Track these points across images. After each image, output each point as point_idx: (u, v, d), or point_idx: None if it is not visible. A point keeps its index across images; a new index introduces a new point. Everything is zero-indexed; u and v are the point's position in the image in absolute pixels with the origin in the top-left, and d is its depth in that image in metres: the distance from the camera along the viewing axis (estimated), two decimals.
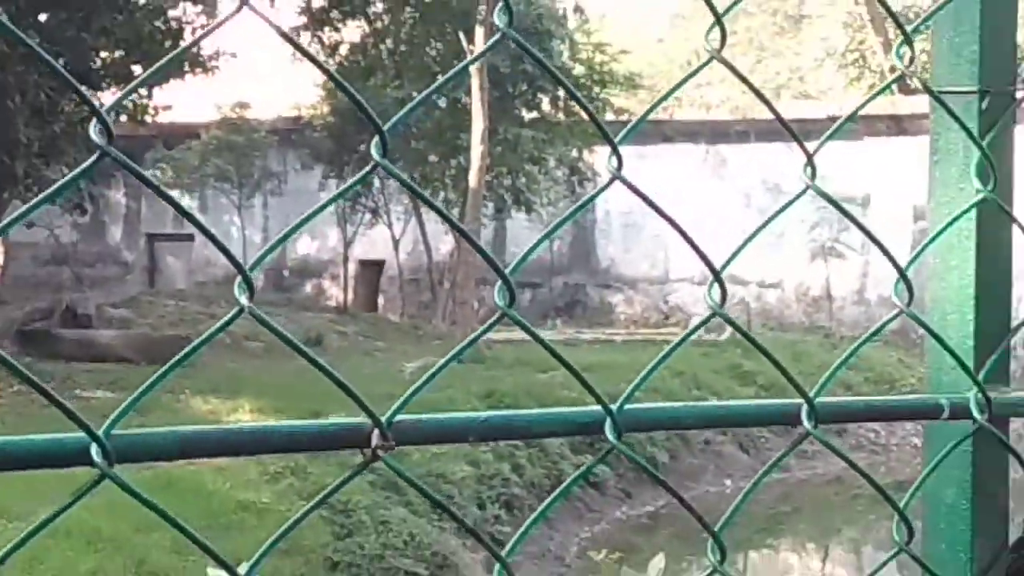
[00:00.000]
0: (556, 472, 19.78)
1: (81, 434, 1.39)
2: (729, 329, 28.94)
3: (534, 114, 31.86)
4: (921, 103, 32.01)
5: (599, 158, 33.04)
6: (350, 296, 36.00)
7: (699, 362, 24.55)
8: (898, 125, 32.39)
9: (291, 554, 13.59)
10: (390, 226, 34.44)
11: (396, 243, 34.90)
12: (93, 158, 1.41)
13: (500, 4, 1.66)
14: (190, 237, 38.72)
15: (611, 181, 1.77)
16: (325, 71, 1.58)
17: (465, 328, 27.36)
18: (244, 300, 1.47)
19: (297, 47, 1.71)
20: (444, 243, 33.87)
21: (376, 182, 32.55)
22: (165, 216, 38.85)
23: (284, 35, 1.68)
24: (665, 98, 1.92)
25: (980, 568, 2.07)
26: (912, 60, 2.00)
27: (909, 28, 2.01)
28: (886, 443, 25.46)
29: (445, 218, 1.87)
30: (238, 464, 15.38)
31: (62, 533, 12.30)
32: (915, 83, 2.03)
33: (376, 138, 1.57)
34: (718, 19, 1.82)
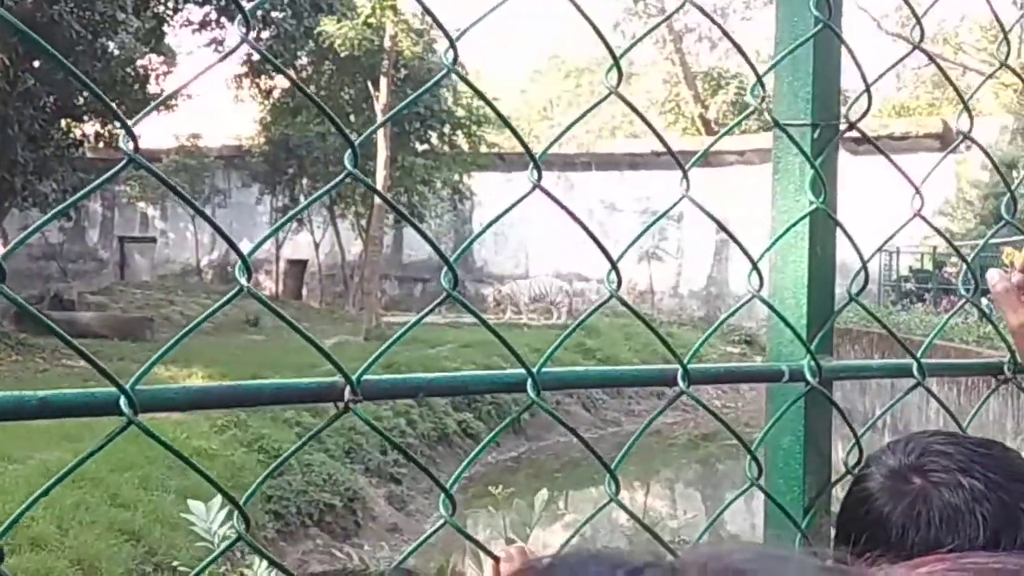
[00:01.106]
0: (441, 426, 19.73)
1: (111, 389, 1.32)
2: (571, 314, 29.00)
3: (425, 146, 31.92)
4: (722, 143, 32.36)
5: (475, 182, 33.18)
6: (280, 287, 35.94)
7: (552, 342, 24.45)
8: (704, 159, 32.62)
9: (234, 490, 13.19)
10: (312, 232, 34.59)
11: (317, 246, 34.98)
12: (122, 163, 1.34)
13: (448, 47, 1.61)
14: (153, 240, 38.50)
15: (532, 189, 1.73)
16: (313, 100, 1.52)
17: (370, 312, 27.29)
18: (243, 280, 1.40)
19: (297, 85, 1.64)
20: (355, 246, 33.86)
21: (302, 197, 32.53)
22: (133, 222, 38.58)
23: (290, 78, 1.61)
24: (572, 125, 1.87)
25: (809, 498, 2.06)
26: (764, 99, 1.98)
27: (762, 73, 1.99)
28: (693, 404, 25.61)
29: (400, 215, 1.81)
30: (192, 418, 15.17)
31: (52, 474, 11.97)
32: (766, 116, 2.00)
33: (349, 151, 1.51)
34: (616, 61, 1.79)
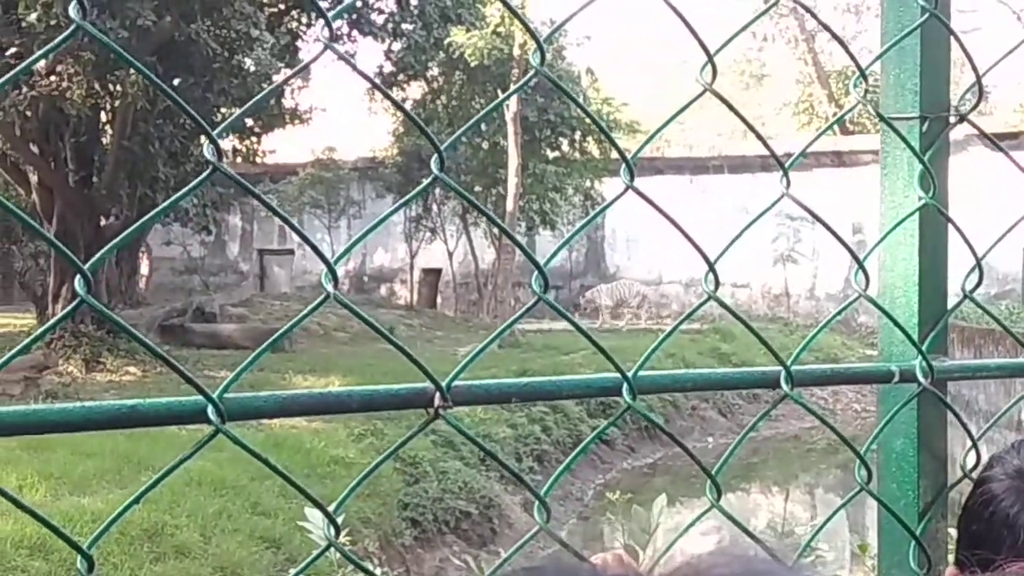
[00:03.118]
0: (576, 432, 19.67)
1: (199, 397, 1.33)
2: (709, 320, 28.60)
3: (556, 153, 31.97)
4: (857, 142, 31.83)
5: (606, 187, 33.08)
6: (415, 296, 36.23)
7: (687, 346, 24.42)
8: (839, 159, 32.26)
9: (372, 498, 13.57)
10: (445, 241, 34.85)
11: (450, 255, 35.18)
12: (207, 172, 1.36)
13: (534, 47, 1.59)
14: (291, 252, 39.08)
15: (625, 190, 1.70)
16: (405, 112, 1.51)
17: (505, 320, 27.36)
18: (330, 288, 1.41)
19: (390, 98, 1.64)
20: (488, 254, 33.99)
21: (434, 207, 32.81)
22: (272, 235, 39.22)
23: (385, 92, 1.61)
24: (668, 123, 1.84)
25: (925, 504, 2.00)
26: (867, 92, 1.93)
27: (864, 67, 1.94)
28: (833, 408, 25.20)
29: (490, 219, 1.80)
30: (330, 427, 15.38)
31: (195, 483, 12.31)
32: (869, 110, 1.95)
33: (435, 156, 1.51)
34: (710, 58, 1.76)
